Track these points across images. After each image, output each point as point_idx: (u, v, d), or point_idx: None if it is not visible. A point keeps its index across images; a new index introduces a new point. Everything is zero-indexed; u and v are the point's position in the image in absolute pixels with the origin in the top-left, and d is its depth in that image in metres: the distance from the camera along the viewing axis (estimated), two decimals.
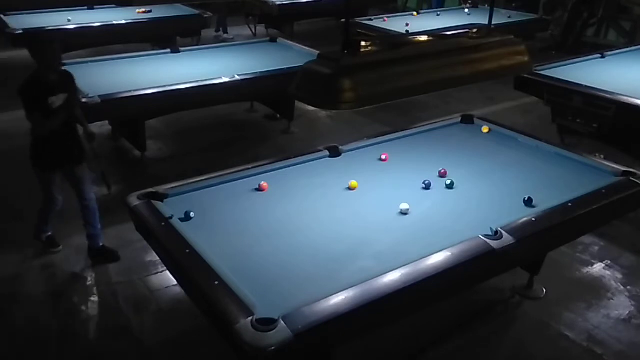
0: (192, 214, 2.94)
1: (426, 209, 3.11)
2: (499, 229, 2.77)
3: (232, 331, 2.11)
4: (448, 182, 3.35)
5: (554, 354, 3.29)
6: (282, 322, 2.12)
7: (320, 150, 3.77)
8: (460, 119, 4.41)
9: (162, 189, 3.16)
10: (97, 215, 3.97)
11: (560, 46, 9.46)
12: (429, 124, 4.34)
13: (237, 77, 5.24)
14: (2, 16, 7.30)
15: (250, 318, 2.14)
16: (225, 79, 5.18)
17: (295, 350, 2.11)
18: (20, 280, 3.86)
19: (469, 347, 3.30)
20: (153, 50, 6.93)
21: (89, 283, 3.84)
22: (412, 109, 6.74)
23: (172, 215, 2.88)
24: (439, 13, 8.99)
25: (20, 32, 6.69)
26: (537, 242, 2.94)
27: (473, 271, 2.68)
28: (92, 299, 3.70)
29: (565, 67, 5.58)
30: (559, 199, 3.08)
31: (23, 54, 7.81)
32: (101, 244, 4.02)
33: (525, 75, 5.16)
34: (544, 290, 3.72)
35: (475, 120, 4.38)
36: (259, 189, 3.30)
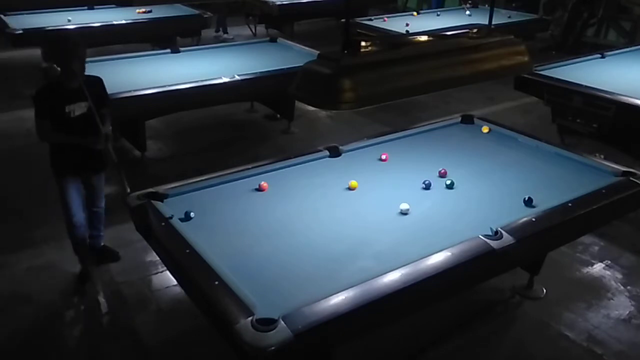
0: (192, 214, 2.94)
1: (426, 209, 3.11)
2: (499, 229, 2.77)
3: (232, 331, 2.11)
4: (448, 182, 3.34)
5: (554, 354, 3.29)
6: (282, 322, 2.12)
7: (320, 150, 3.77)
8: (460, 119, 4.41)
9: (162, 189, 3.16)
10: (103, 221, 3.94)
11: (560, 46, 9.46)
12: (429, 124, 4.34)
13: (237, 77, 5.24)
14: (2, 16, 7.28)
15: (250, 318, 2.14)
16: (225, 79, 5.18)
17: (295, 350, 2.11)
18: (20, 280, 3.86)
19: (469, 347, 3.30)
20: (153, 50, 6.92)
21: (89, 283, 3.84)
22: (412, 109, 6.74)
23: (172, 215, 2.88)
24: (439, 13, 8.98)
25: (20, 32, 6.68)
26: (537, 242, 2.94)
27: (473, 271, 2.68)
28: (92, 298, 3.70)
29: (565, 67, 5.57)
30: (559, 199, 3.08)
31: (23, 54, 7.88)
32: (102, 244, 4.02)
33: (525, 75, 5.15)
34: (544, 290, 3.72)
35: (475, 120, 4.38)
36: (259, 189, 3.30)
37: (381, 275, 2.42)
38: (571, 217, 3.00)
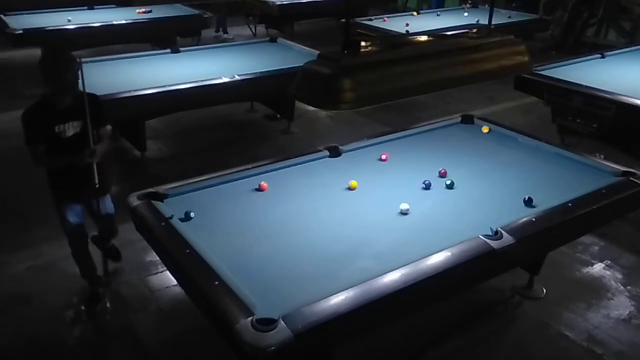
0: (192, 214, 2.94)
1: (426, 209, 3.11)
2: (499, 229, 2.77)
3: (232, 331, 2.11)
4: (448, 182, 3.34)
5: (554, 354, 3.29)
6: (282, 322, 2.12)
7: (320, 150, 3.77)
8: (460, 119, 4.41)
9: (162, 189, 3.16)
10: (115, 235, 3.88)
11: (560, 46, 9.46)
12: (429, 124, 4.34)
13: (237, 77, 5.24)
14: (2, 16, 7.29)
15: (250, 318, 2.14)
16: (225, 79, 5.18)
17: (295, 350, 2.11)
18: (20, 280, 3.85)
19: (469, 347, 3.30)
20: (153, 50, 6.92)
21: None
22: (412, 109, 6.74)
23: (172, 215, 2.88)
24: (438, 13, 8.99)
25: (20, 32, 6.68)
26: (537, 242, 2.94)
27: (473, 271, 2.68)
28: (92, 298, 3.70)
29: (565, 67, 5.58)
30: (559, 199, 3.08)
31: (23, 54, 7.87)
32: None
33: (525, 75, 5.16)
34: (544, 290, 3.72)
35: (475, 120, 4.38)
36: (259, 189, 3.30)
37: (381, 275, 2.42)
38: (571, 217, 3.00)
